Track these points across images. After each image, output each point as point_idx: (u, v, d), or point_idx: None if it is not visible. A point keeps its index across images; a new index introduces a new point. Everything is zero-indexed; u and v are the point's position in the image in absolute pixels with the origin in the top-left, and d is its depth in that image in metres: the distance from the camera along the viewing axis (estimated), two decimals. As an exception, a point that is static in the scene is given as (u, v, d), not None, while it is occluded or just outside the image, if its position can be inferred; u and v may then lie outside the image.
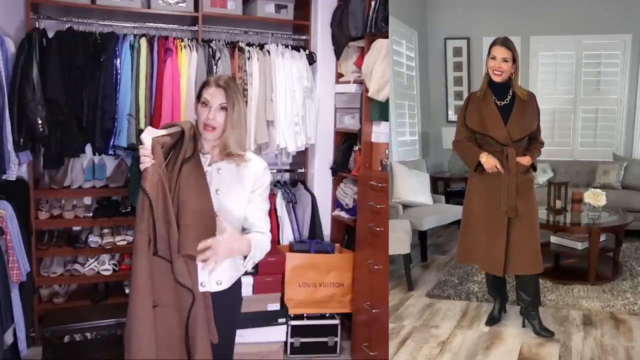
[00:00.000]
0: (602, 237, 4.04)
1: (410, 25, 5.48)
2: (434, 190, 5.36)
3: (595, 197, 3.99)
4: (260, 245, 2.13)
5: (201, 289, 2.07)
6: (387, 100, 3.48)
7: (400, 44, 5.19)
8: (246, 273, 3.39)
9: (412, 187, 4.51)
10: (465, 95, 6.12)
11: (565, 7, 5.75)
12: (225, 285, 2.16)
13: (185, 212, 1.99)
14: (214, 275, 2.11)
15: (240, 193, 2.13)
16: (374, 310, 3.28)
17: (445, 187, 5.76)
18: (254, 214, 2.16)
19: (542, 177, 5.43)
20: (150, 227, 1.92)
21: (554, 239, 4.16)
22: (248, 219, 2.16)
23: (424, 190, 4.67)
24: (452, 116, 6.26)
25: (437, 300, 3.58)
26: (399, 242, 3.66)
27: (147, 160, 1.93)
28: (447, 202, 5.00)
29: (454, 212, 4.55)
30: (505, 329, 3.12)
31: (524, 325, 3.11)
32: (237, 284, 2.27)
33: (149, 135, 1.99)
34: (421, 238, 4.39)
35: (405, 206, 4.47)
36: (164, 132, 2.05)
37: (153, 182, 1.91)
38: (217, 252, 1.91)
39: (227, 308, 2.22)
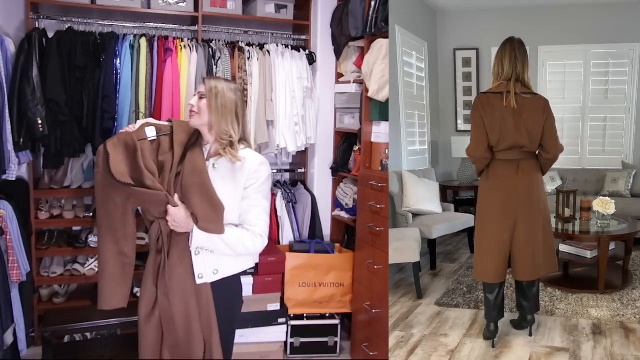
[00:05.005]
0: (612, 246, 4.00)
1: (420, 37, 5.54)
2: (443, 198, 5.37)
3: (604, 205, 3.97)
4: (232, 240, 2.17)
5: (199, 281, 2.19)
6: (387, 101, 3.47)
7: (410, 55, 5.21)
8: (246, 273, 3.42)
9: (421, 196, 4.51)
10: (474, 104, 6.23)
11: (573, 17, 5.79)
12: (223, 274, 2.22)
13: (191, 193, 2.15)
14: (210, 264, 2.20)
15: (233, 191, 2.19)
16: (374, 310, 3.27)
17: (454, 195, 5.78)
18: (247, 209, 2.20)
19: (550, 185, 5.43)
20: (106, 169, 2.14)
21: (563, 247, 4.11)
22: (242, 215, 2.21)
23: (434, 198, 4.67)
24: (462, 125, 6.31)
25: (446, 309, 3.56)
26: (409, 250, 3.66)
27: (126, 129, 2.27)
28: (456, 210, 5.01)
29: (463, 220, 4.56)
30: (514, 338, 3.10)
31: (530, 334, 3.09)
32: (237, 279, 2.31)
33: (142, 121, 2.39)
34: (430, 246, 4.39)
35: (415, 214, 4.47)
36: (162, 122, 2.35)
37: (118, 140, 2.20)
38: (174, 219, 2.12)
39: (226, 299, 2.26)
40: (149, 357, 2.23)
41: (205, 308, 2.20)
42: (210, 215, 2.13)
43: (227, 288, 2.26)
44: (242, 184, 2.19)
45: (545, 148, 2.81)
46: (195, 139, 2.26)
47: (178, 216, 2.12)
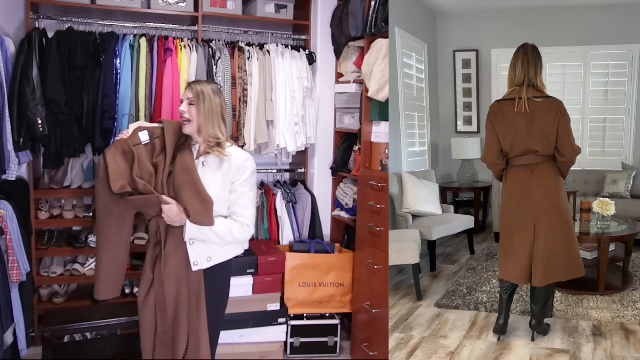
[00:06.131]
0: (612, 247, 3.99)
1: (420, 38, 5.55)
2: (443, 200, 5.38)
3: (604, 207, 3.95)
4: (221, 231, 2.35)
5: (195, 268, 2.39)
6: (387, 100, 3.47)
7: (410, 57, 5.21)
8: (246, 273, 3.43)
9: (421, 197, 4.51)
10: (474, 106, 6.19)
11: (573, 18, 5.79)
12: (215, 261, 2.43)
13: (182, 190, 2.33)
14: (204, 252, 2.39)
15: (221, 185, 2.37)
16: (374, 310, 3.27)
17: (454, 197, 5.78)
18: (235, 202, 2.39)
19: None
20: (105, 182, 2.30)
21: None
22: (230, 207, 2.40)
23: (434, 200, 4.67)
24: (461, 127, 6.31)
25: (446, 310, 3.56)
26: (409, 251, 3.66)
27: (121, 136, 2.41)
28: (456, 212, 5.01)
29: (463, 222, 4.56)
30: (514, 339, 3.09)
31: (532, 339, 3.08)
32: (227, 265, 2.49)
33: (136, 125, 2.46)
34: (430, 248, 4.38)
35: (415, 216, 4.47)
36: (152, 125, 2.50)
37: (116, 149, 2.34)
38: (169, 215, 2.31)
39: (216, 283, 2.46)
40: (148, 334, 2.46)
41: (195, 294, 2.41)
42: (201, 209, 2.31)
43: (218, 273, 2.46)
44: (229, 179, 2.37)
45: (560, 151, 2.82)
46: (184, 139, 2.44)
47: (172, 212, 2.31)
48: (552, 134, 2.79)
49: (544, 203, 2.85)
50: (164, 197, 2.33)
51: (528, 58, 2.80)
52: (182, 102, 2.40)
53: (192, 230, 2.33)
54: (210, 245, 2.39)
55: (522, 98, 2.77)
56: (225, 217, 2.40)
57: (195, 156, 2.42)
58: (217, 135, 2.36)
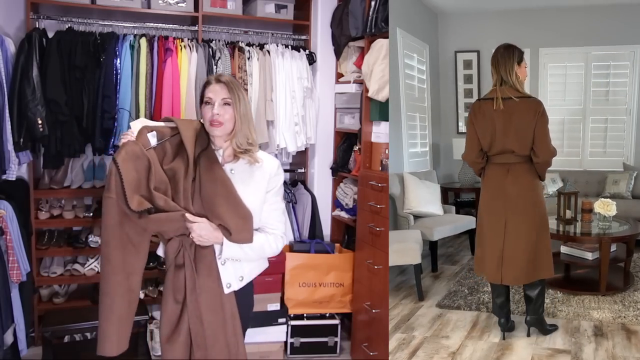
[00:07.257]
0: (613, 247, 3.99)
1: (422, 39, 5.55)
2: (445, 200, 5.38)
3: (605, 207, 3.94)
4: (258, 247, 2.10)
5: (227, 291, 2.10)
6: (387, 100, 3.47)
7: (411, 58, 5.22)
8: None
9: (423, 198, 4.51)
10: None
11: (574, 19, 5.78)
12: (247, 279, 2.18)
13: (217, 204, 2.02)
14: (236, 272, 2.12)
15: (255, 194, 2.11)
16: (374, 310, 3.27)
17: (455, 197, 5.78)
18: (269, 214, 2.16)
19: (551, 187, 5.41)
20: (120, 197, 1.93)
21: (564, 249, 4.10)
22: (262, 218, 2.15)
23: (435, 200, 4.67)
24: (463, 127, 6.31)
25: (447, 311, 3.55)
26: (410, 252, 3.65)
27: (127, 137, 2.03)
28: (457, 212, 5.01)
29: (464, 222, 4.56)
30: (515, 339, 3.09)
31: (528, 335, 3.09)
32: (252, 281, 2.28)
33: (139, 123, 2.08)
34: (432, 248, 4.38)
35: (416, 216, 4.47)
36: (158, 124, 2.13)
37: (127, 154, 1.95)
38: (200, 234, 1.99)
39: (245, 301, 2.23)
40: None
41: (231, 318, 2.12)
42: (241, 226, 2.03)
43: (246, 289, 2.20)
44: (263, 188, 2.12)
45: (535, 151, 2.82)
46: (205, 143, 2.11)
47: (204, 231, 2.00)
48: (528, 133, 2.80)
49: (516, 202, 2.86)
50: (188, 214, 1.99)
51: (497, 58, 2.86)
52: (206, 101, 2.09)
53: (231, 250, 2.04)
54: (241, 263, 2.13)
55: (498, 97, 2.81)
56: (256, 229, 2.11)
57: (220, 162, 2.12)
58: (252, 139, 2.10)
